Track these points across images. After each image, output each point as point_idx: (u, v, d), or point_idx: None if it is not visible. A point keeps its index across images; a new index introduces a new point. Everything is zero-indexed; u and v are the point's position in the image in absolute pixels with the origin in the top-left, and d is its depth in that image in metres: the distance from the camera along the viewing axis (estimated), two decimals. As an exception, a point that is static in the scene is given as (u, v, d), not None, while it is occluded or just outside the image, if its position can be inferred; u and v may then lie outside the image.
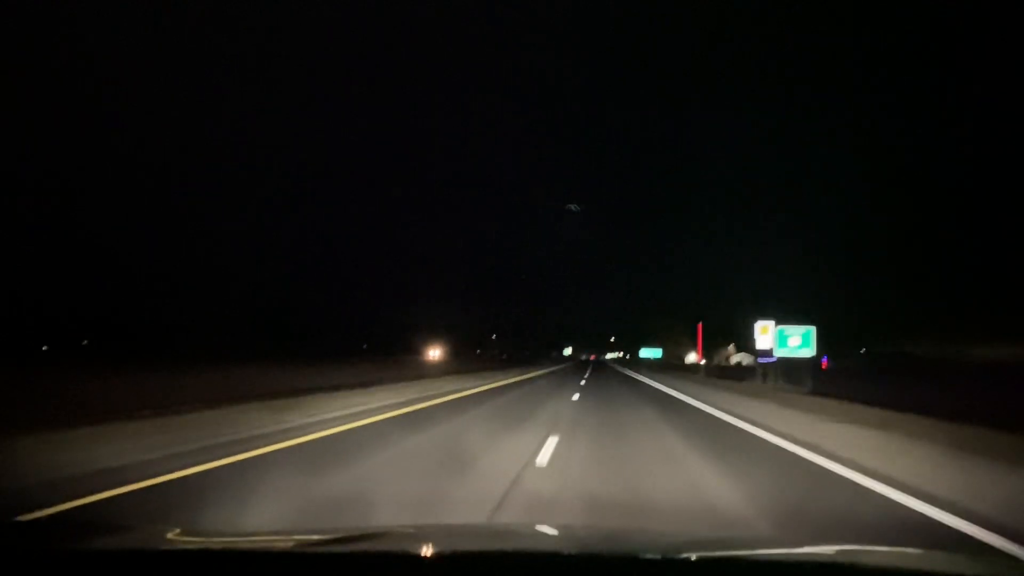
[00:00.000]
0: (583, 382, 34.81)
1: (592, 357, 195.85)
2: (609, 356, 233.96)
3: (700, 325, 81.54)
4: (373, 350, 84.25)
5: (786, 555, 2.32)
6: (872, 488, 6.88)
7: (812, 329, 28.98)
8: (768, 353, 30.84)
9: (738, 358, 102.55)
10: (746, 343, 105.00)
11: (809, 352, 28.97)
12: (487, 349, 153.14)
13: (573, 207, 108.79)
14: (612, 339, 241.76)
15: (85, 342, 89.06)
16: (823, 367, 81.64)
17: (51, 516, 5.03)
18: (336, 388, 20.76)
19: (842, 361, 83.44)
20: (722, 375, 45.36)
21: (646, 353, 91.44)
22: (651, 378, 41.36)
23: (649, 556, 2.25)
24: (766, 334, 31.08)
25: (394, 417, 13.64)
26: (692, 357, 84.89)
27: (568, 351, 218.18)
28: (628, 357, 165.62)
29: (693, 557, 2.16)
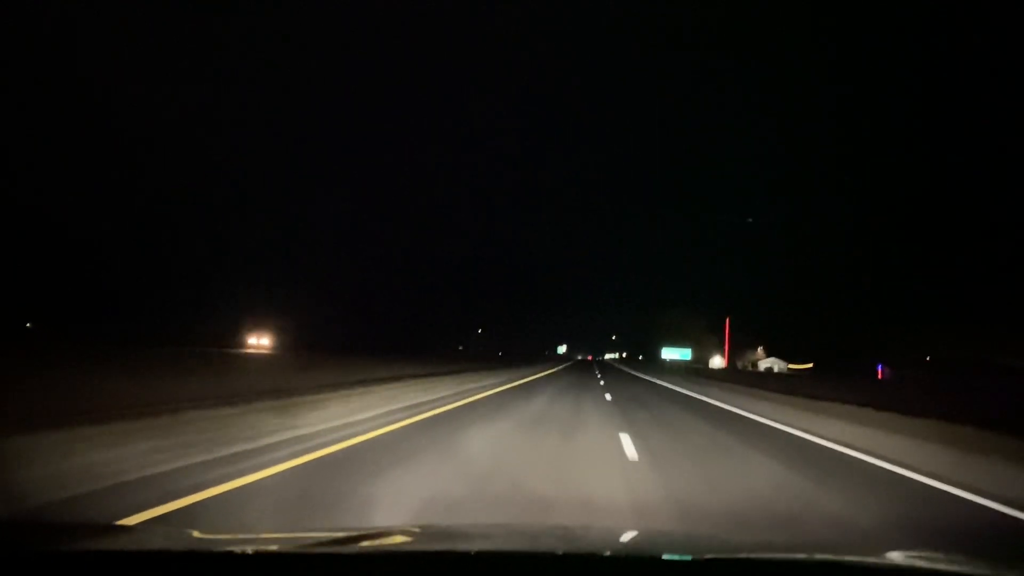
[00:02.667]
0: (608, 396, 23.00)
1: (589, 357, 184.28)
2: (608, 356, 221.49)
3: (728, 321, 69.45)
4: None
5: (787, 558, 2.31)
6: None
7: None
8: None
9: (768, 363, 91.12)
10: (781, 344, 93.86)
11: None
12: (472, 345, 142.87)
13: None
14: (613, 337, 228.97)
15: (28, 325, 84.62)
16: (879, 376, 70.16)
17: None
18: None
19: (893, 370, 73.12)
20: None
21: (670, 353, 75.30)
22: (759, 411, 18.21)
23: (650, 556, 2.29)
24: None
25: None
26: (717, 361, 72.89)
27: (563, 349, 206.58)
28: (640, 358, 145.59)
29: (696, 558, 2.22)
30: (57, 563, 1.75)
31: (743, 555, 2.37)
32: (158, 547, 2.09)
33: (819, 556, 2.35)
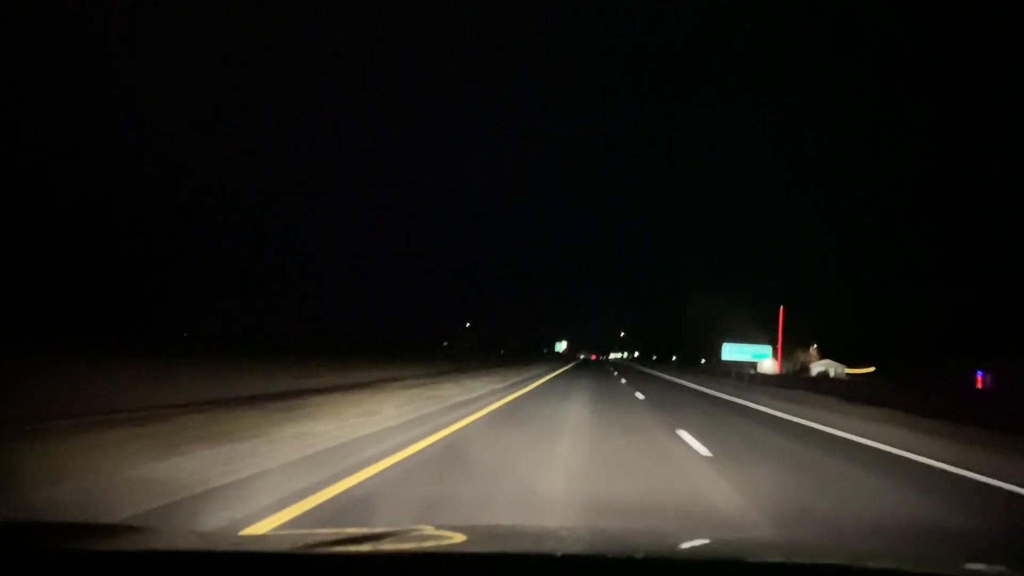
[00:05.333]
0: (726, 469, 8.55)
1: (593, 357, 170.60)
2: (613, 356, 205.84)
3: (781, 312, 54.62)
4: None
5: (790, 560, 2.33)
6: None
7: None
8: None
9: (821, 366, 76.80)
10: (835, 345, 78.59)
11: None
12: (456, 342, 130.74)
13: None
14: (622, 333, 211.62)
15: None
16: (978, 384, 55.53)
17: None
18: None
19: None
20: None
21: (736, 353, 54.08)
22: None
23: (651, 557, 2.26)
24: None
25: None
26: (768, 364, 58.59)
27: (562, 346, 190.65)
28: (674, 359, 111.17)
29: (697, 558, 2.28)
30: (64, 563, 1.76)
31: (751, 559, 2.36)
32: (164, 546, 2.11)
33: (832, 562, 2.24)
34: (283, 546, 2.25)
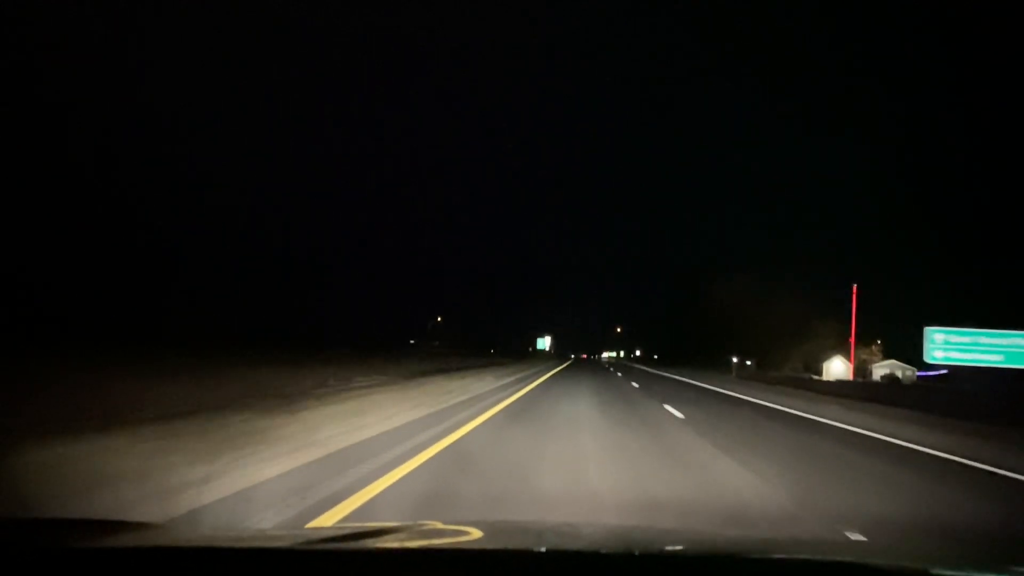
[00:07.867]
0: None
1: (584, 356, 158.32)
2: (606, 355, 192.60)
3: (855, 292, 41.45)
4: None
5: (793, 556, 2.31)
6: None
7: None
8: None
9: (885, 368, 63.80)
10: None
11: None
12: (427, 339, 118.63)
13: None
14: (618, 329, 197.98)
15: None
16: None
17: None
18: None
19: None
20: None
21: (961, 350, 29.39)
22: None
23: (654, 554, 2.27)
24: None
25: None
26: (838, 367, 45.77)
27: (545, 343, 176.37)
28: (735, 360, 65.25)
29: (701, 555, 2.22)
30: (67, 559, 1.77)
31: (752, 555, 2.32)
32: (168, 543, 2.14)
33: (836, 559, 2.18)
34: (286, 542, 2.29)
